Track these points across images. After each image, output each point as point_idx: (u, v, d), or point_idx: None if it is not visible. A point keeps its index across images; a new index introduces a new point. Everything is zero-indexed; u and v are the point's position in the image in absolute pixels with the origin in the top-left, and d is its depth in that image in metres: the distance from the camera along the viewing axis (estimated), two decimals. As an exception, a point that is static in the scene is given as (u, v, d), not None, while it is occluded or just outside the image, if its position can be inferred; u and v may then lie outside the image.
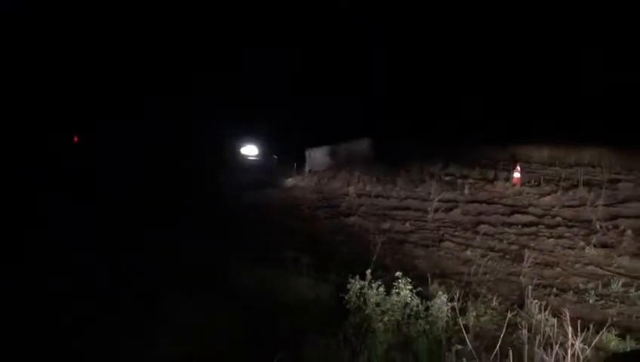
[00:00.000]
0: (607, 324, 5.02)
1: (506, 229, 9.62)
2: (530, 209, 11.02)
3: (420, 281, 5.94)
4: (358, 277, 5.34)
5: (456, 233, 9.45)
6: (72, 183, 12.44)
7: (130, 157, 15.55)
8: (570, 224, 9.94)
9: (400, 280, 5.26)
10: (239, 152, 16.13)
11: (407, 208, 10.99)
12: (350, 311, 5.27)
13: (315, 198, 11.41)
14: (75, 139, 18.71)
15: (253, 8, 24.48)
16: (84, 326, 5.36)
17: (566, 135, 17.11)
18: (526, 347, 4.40)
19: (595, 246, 8.55)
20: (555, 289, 6.83)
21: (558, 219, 10.30)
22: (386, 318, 5.03)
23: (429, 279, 6.14)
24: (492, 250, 8.51)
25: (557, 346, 4.44)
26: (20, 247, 7.75)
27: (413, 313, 5.18)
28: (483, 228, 9.67)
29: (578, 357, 4.26)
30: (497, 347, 4.34)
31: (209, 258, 7.28)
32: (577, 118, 19.29)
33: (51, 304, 5.80)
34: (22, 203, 10.38)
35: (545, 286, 6.90)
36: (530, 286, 6.14)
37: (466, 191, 12.18)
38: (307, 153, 15.21)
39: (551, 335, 4.69)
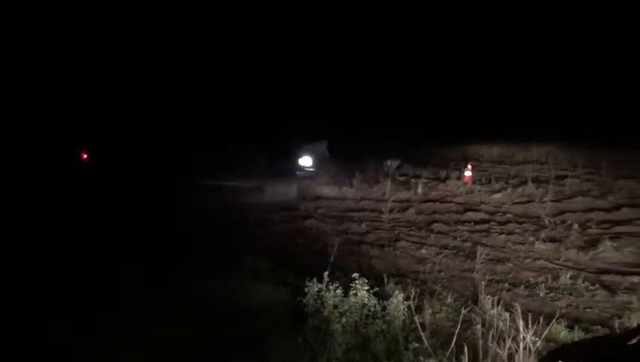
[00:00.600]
0: (557, 316, 5.18)
1: (459, 227, 9.84)
2: (482, 206, 11.32)
3: (377, 281, 6.00)
4: (315, 279, 5.36)
5: (412, 232, 9.60)
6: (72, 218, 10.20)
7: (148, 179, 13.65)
8: (520, 220, 10.26)
9: (357, 281, 5.30)
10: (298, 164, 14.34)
11: (364, 209, 11.09)
12: (309, 314, 5.28)
13: (272, 201, 11.37)
14: (84, 156, 15.81)
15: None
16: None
17: (515, 134, 17.64)
18: (480, 342, 4.51)
19: (544, 241, 8.85)
20: (507, 284, 7.03)
21: (509, 215, 10.61)
22: (344, 320, 5.06)
23: (386, 279, 6.22)
24: (446, 247, 8.69)
25: (510, 340, 4.57)
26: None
27: (370, 313, 5.23)
28: (437, 226, 9.87)
29: (530, 349, 4.39)
30: (453, 343, 4.43)
31: (171, 266, 7.16)
32: (525, 117, 19.94)
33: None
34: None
35: (497, 282, 7.10)
36: (483, 282, 6.30)
37: (420, 191, 12.40)
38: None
39: (504, 329, 4.83)
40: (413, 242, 8.99)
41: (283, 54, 22.86)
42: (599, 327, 5.73)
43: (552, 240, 8.96)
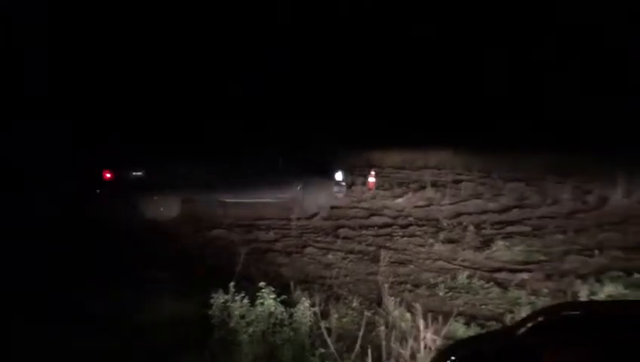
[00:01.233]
0: (454, 314, 5.45)
1: (364, 232, 10.09)
2: (385, 211, 11.68)
3: (284, 289, 6.02)
4: (221, 290, 5.28)
5: (319, 238, 9.72)
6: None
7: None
8: (420, 223, 10.69)
9: (264, 290, 5.29)
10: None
11: (272, 217, 11.07)
12: (215, 326, 5.20)
13: (180, 212, 11.05)
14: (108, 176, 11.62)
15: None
16: None
17: (414, 140, 18.38)
18: (384, 343, 4.65)
19: (442, 242, 9.30)
20: (409, 285, 7.31)
21: (410, 219, 11.03)
22: (251, 329, 5.03)
23: (292, 286, 6.25)
24: (352, 252, 8.88)
25: (411, 339, 4.75)
26: None
27: (278, 321, 5.23)
28: (343, 231, 10.06)
29: (430, 347, 4.58)
30: (357, 346, 4.53)
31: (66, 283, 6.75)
32: (424, 125, 20.85)
33: None
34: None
35: (400, 283, 7.35)
36: (386, 285, 6.48)
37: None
38: None
39: (406, 329, 5.01)
40: (320, 248, 9.10)
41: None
42: (494, 322, 6.09)
43: (450, 241, 9.43)
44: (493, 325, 5.96)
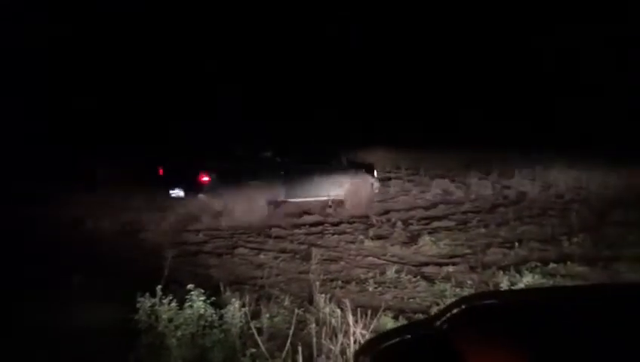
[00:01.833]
0: (383, 308, 5.57)
1: (296, 231, 10.14)
2: (316, 210, 11.76)
3: (214, 291, 5.95)
4: (148, 294, 5.16)
5: (250, 238, 9.67)
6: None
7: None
8: (351, 220, 10.86)
9: (193, 292, 5.21)
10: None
11: (198, 218, 10.90)
12: (142, 331, 5.06)
13: (102, 215, 10.67)
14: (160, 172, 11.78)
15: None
16: None
17: (345, 139, 18.59)
18: (314, 340, 4.69)
19: (372, 239, 9.48)
20: (339, 281, 7.40)
21: (341, 216, 11.16)
22: (179, 333, 4.94)
23: (223, 287, 6.19)
24: (284, 251, 8.89)
25: (341, 335, 4.82)
26: None
27: (207, 324, 5.17)
28: (275, 231, 10.06)
29: (360, 342, 4.66)
30: (288, 344, 4.55)
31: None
32: (354, 123, 21.15)
33: None
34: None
35: (331, 280, 7.43)
36: (317, 282, 6.55)
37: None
38: None
39: (336, 325, 5.07)
40: (251, 248, 9.06)
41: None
42: (420, 315, 6.27)
43: (380, 237, 9.63)
44: (421, 317, 6.13)
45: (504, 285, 6.90)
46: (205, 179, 10.72)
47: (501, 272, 7.62)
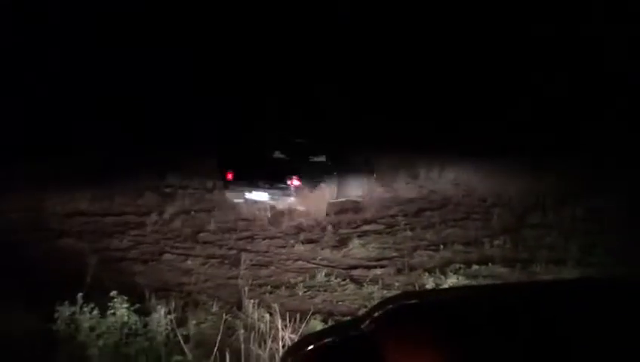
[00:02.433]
0: (312, 312, 5.59)
1: (225, 236, 9.99)
2: (246, 214, 11.65)
3: (139, 298, 5.77)
4: (67, 302, 4.93)
5: (177, 244, 9.44)
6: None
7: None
8: (281, 225, 10.82)
9: (116, 300, 5.03)
10: None
11: (126, 223, 10.56)
12: (61, 342, 4.83)
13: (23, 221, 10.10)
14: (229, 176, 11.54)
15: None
16: None
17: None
18: (243, 346, 4.64)
19: (302, 242, 9.50)
20: (269, 286, 7.35)
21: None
22: (101, 342, 4.75)
23: (148, 294, 6.01)
24: (212, 257, 8.75)
25: (270, 340, 4.80)
26: None
27: (132, 332, 5.00)
28: (203, 236, 9.88)
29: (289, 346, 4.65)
30: (215, 351, 4.47)
31: None
32: (293, 126, 21.13)
33: None
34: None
35: (261, 286, 7.38)
36: (246, 287, 6.49)
37: (186, 202, 12.27)
38: None
39: (265, 330, 5.04)
40: (179, 254, 8.84)
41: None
42: (349, 317, 6.33)
43: (310, 241, 9.67)
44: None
45: (429, 286, 7.11)
46: (296, 183, 11.10)
47: (427, 274, 7.86)
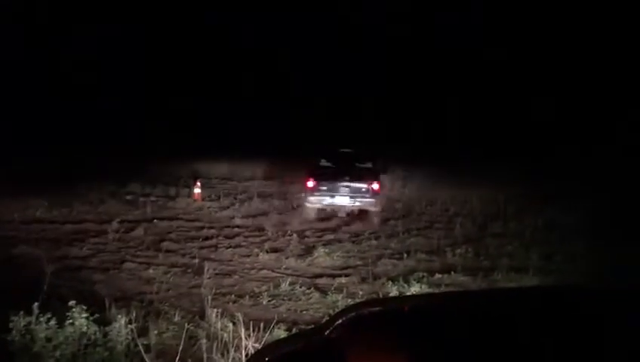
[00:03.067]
0: (276, 321, 5.57)
1: (189, 244, 9.86)
2: (211, 223, 11.55)
3: (99, 307, 5.65)
4: (23, 312, 4.78)
5: (139, 253, 9.27)
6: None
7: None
8: (246, 234, 10.75)
9: (74, 310, 4.90)
10: None
11: (86, 231, 10.33)
12: (15, 353, 4.68)
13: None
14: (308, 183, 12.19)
15: None
16: None
17: (241, 151, 18.50)
18: (205, 355, 4.58)
19: (267, 251, 9.45)
20: (233, 296, 7.29)
21: (237, 230, 11.04)
22: (58, 353, 4.62)
23: (108, 303, 5.88)
24: (175, 265, 8.62)
25: (233, 349, 4.75)
26: None
27: (91, 342, 4.88)
28: (166, 245, 9.72)
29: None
30: (177, 360, 4.41)
31: None
32: (253, 135, 21.12)
33: None
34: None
35: (224, 295, 7.30)
36: (209, 297, 6.42)
37: (149, 210, 12.07)
38: None
39: (228, 340, 4.99)
40: (140, 263, 8.68)
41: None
42: (313, 326, 6.32)
43: (275, 250, 9.62)
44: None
45: (393, 295, 7.15)
46: (376, 187, 11.82)
47: (390, 282, 7.92)
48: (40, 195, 12.07)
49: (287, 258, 9.23)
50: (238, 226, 11.41)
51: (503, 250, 10.04)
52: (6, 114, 17.78)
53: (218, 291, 7.30)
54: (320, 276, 8.45)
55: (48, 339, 4.73)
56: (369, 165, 12.45)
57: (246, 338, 4.79)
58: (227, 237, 10.47)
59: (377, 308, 2.35)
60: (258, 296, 7.33)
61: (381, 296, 7.15)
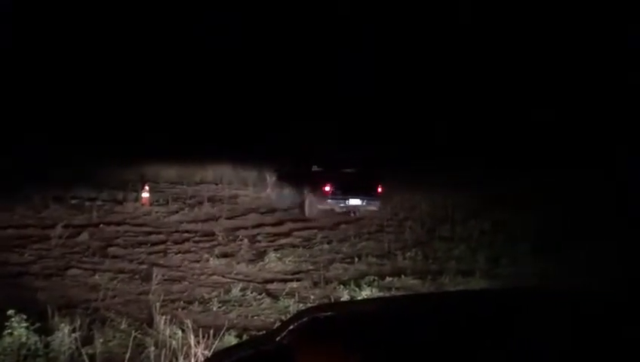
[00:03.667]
0: (226, 328, 5.49)
1: (136, 250, 9.62)
2: (160, 228, 11.32)
3: (41, 316, 5.44)
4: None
5: (84, 259, 8.97)
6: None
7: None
8: (196, 239, 10.59)
9: (13, 319, 4.70)
10: None
11: (28, 237, 9.93)
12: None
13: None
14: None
15: None
16: None
17: (192, 155, 18.25)
18: (153, 363, 4.47)
19: (217, 257, 9.32)
20: (182, 302, 7.15)
21: (186, 235, 10.86)
22: (-5, 365, 4.42)
23: (51, 311, 5.66)
24: (122, 272, 8.38)
25: (182, 357, 4.66)
26: None
27: (30, 353, 4.69)
28: (112, 250, 9.46)
29: (201, 363, 4.54)
30: (123, 369, 4.28)
31: None
32: (202, 140, 20.86)
33: None
34: None
35: (173, 301, 7.15)
36: (158, 303, 6.27)
37: (95, 214, 11.71)
38: None
39: (177, 347, 4.89)
40: (85, 269, 8.40)
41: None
42: (265, 332, 6.27)
43: (225, 255, 9.50)
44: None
45: (345, 299, 7.19)
46: (380, 190, 13.63)
47: (342, 286, 7.95)
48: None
49: (238, 263, 9.14)
50: (187, 231, 11.22)
51: (451, 253, 10.27)
52: None
53: (167, 297, 7.14)
54: (271, 281, 8.39)
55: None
56: (368, 171, 14.03)
57: (195, 345, 4.70)
58: (176, 242, 10.27)
59: (329, 313, 2.35)
60: (208, 302, 7.21)
61: (333, 300, 7.17)
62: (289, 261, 9.37)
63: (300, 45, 27.04)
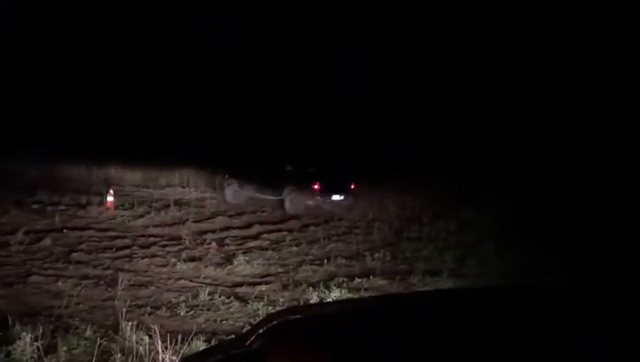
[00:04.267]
0: (194, 332, 5.42)
1: (101, 255, 9.42)
2: (125, 232, 11.12)
3: (1, 325, 5.28)
4: None
5: (46, 265, 8.74)
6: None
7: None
8: (162, 243, 10.43)
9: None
10: None
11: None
12: None
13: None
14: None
15: None
16: None
17: (158, 158, 18.00)
18: (119, 371, 4.39)
19: (185, 261, 9.19)
20: (149, 307, 7.02)
21: (152, 239, 10.69)
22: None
23: (11, 320, 5.49)
24: (86, 277, 8.19)
25: (149, 363, 4.58)
26: None
27: (-10, 363, 4.54)
28: (76, 256, 9.24)
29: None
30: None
31: None
32: (168, 142, 20.59)
33: None
34: None
35: (140, 306, 7.03)
36: (124, 309, 6.16)
37: (57, 219, 11.43)
38: None
39: (144, 353, 4.81)
40: (48, 275, 8.18)
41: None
42: (233, 336, 6.22)
43: (193, 259, 9.39)
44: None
45: (314, 301, 7.19)
46: (353, 186, 15.00)
47: (311, 289, 7.94)
48: None
49: (205, 267, 9.03)
50: (153, 235, 11.04)
51: (419, 253, 10.38)
52: None
53: (133, 303, 7.02)
54: (240, 284, 8.33)
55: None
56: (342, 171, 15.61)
57: (163, 351, 4.63)
58: (142, 246, 10.10)
59: (299, 316, 2.34)
60: (175, 307, 7.11)
61: (302, 302, 7.16)
62: (258, 264, 9.31)
63: (300, 45, 26.98)
